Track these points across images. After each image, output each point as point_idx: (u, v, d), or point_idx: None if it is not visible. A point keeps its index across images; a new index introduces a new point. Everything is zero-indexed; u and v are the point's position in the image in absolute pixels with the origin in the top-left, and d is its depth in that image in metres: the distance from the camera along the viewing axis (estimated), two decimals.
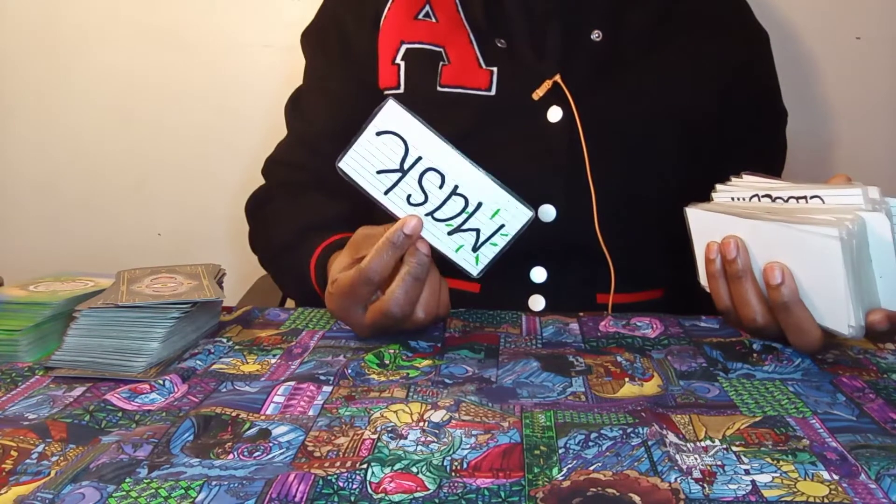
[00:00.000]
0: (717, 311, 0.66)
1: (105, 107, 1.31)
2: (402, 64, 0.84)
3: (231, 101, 1.26)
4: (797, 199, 0.60)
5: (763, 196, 0.62)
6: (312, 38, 0.93)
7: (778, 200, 0.61)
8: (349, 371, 0.56)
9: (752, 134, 0.88)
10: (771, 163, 0.90)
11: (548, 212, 0.80)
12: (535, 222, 0.80)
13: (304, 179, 0.87)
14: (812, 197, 0.59)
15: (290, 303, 1.10)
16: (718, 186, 0.66)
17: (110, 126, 1.32)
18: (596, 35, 0.81)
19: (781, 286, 0.58)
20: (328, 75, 0.90)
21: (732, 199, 0.64)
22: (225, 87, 1.26)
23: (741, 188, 0.65)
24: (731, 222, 0.62)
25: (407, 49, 0.84)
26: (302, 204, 0.85)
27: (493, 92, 0.81)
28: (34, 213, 1.37)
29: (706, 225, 0.64)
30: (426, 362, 0.58)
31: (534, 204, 0.81)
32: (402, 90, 0.83)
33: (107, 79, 1.30)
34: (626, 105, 0.81)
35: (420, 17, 0.85)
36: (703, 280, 0.66)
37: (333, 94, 0.89)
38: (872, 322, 0.56)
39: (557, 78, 0.79)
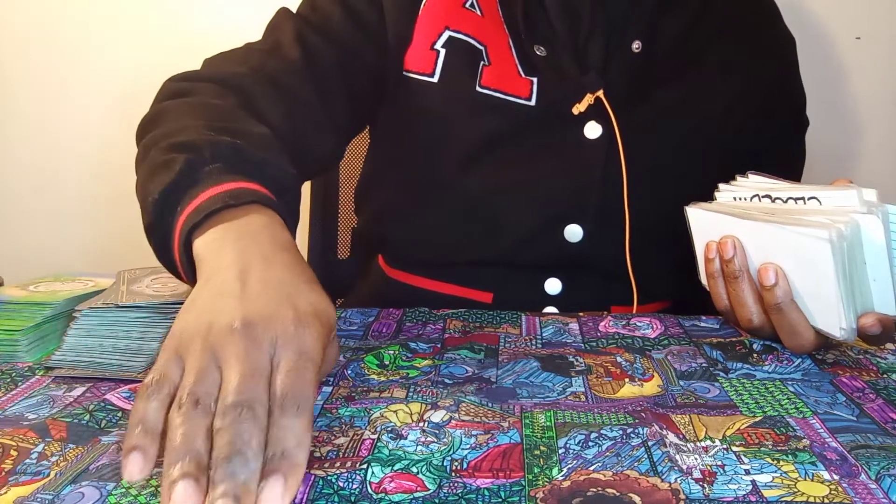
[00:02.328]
0: (717, 312, 0.66)
1: (106, 106, 1.31)
2: (443, 52, 0.78)
3: None
4: (795, 200, 0.60)
5: (763, 196, 0.62)
6: None
7: (777, 201, 0.61)
8: (349, 372, 0.56)
9: (782, 147, 0.87)
10: (793, 173, 0.88)
11: (575, 232, 0.78)
12: (558, 242, 0.78)
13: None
14: (810, 198, 0.59)
15: None
16: (721, 186, 0.66)
17: (111, 126, 1.32)
18: (636, 45, 0.78)
19: (775, 287, 0.58)
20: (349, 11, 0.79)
21: (734, 198, 0.65)
22: None
23: (744, 188, 0.65)
24: (729, 222, 0.62)
25: (450, 36, 0.78)
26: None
27: (532, 102, 0.77)
28: (34, 213, 1.37)
29: (706, 224, 0.64)
30: (426, 362, 0.58)
31: (560, 223, 0.78)
32: (435, 79, 0.78)
33: (107, 78, 1.30)
34: (663, 123, 0.79)
35: (466, 6, 0.80)
36: (703, 279, 0.66)
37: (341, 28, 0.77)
38: (863, 326, 0.56)
39: (600, 93, 0.76)
